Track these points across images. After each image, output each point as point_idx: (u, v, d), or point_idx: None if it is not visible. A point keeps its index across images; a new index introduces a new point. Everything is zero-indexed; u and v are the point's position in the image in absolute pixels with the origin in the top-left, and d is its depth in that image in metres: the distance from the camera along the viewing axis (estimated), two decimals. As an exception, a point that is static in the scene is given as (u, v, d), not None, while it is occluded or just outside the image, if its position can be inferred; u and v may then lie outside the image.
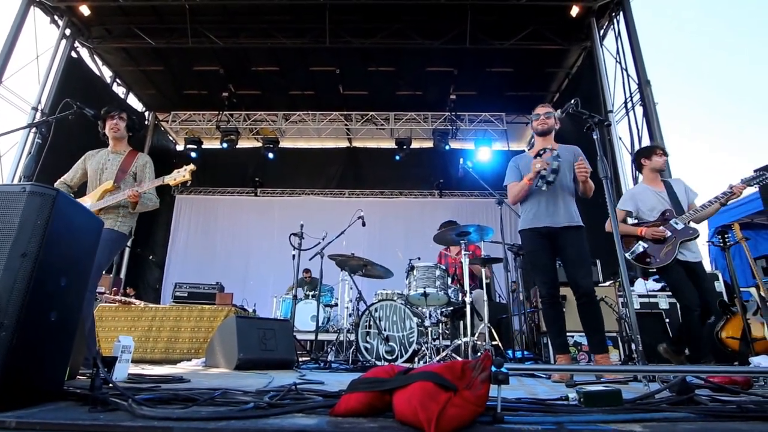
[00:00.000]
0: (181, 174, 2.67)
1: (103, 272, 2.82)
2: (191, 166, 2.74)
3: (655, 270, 3.25)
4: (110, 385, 1.44)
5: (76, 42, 7.63)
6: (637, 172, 6.15)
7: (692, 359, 3.17)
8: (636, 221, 3.43)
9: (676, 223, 3.23)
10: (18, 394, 1.25)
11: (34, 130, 2.44)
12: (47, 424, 1.09)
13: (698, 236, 3.18)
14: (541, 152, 2.92)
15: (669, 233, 3.21)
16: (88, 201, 2.67)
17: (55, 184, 2.75)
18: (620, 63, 6.74)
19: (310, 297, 6.41)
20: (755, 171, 3.25)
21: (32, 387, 1.33)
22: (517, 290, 5.29)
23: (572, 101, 2.56)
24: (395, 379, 1.17)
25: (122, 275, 9.20)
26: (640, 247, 3.30)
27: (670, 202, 3.34)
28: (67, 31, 7.36)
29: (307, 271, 7.24)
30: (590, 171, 2.83)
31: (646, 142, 6.03)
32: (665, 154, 3.46)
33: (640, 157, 3.55)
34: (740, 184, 3.14)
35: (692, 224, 3.22)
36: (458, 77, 8.64)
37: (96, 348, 2.59)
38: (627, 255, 3.31)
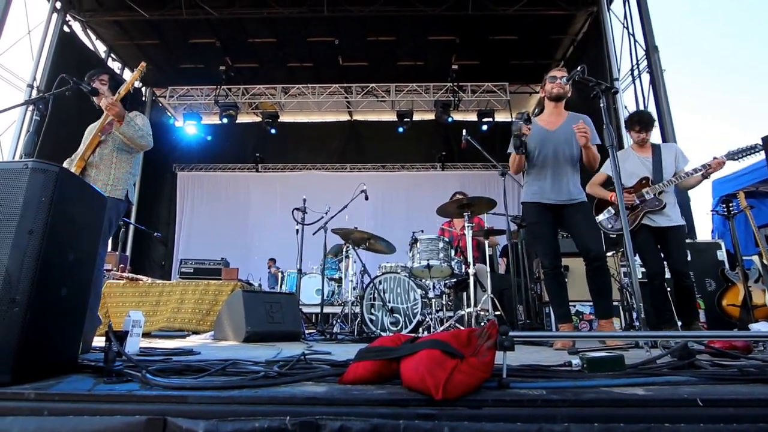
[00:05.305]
0: (132, 75, 2.62)
1: (108, 246, 2.78)
2: (142, 63, 2.70)
3: (614, 236, 3.41)
4: (123, 357, 1.47)
5: (68, 16, 7.42)
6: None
7: (655, 326, 3.14)
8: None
9: (647, 193, 3.24)
10: (35, 367, 1.28)
11: (31, 107, 2.39)
12: (65, 395, 1.12)
13: (663, 208, 3.18)
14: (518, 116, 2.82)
15: (637, 201, 3.25)
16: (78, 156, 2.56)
17: (64, 163, 2.70)
18: (627, 28, 6.55)
19: (315, 270, 6.47)
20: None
21: (48, 360, 1.36)
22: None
23: (578, 68, 2.50)
24: (402, 348, 1.19)
25: (128, 252, 9.28)
26: (607, 212, 3.43)
27: (652, 169, 3.30)
28: (58, 5, 7.16)
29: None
30: (589, 132, 2.75)
31: (652, 109, 5.92)
32: (644, 129, 3.36)
33: (625, 126, 3.57)
34: (721, 157, 3.13)
35: (663, 195, 3.20)
36: (460, 46, 8.41)
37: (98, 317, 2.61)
38: (599, 217, 3.45)
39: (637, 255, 3.30)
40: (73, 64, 6.99)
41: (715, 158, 3.14)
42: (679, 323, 3.16)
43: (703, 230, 6.51)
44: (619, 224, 3.25)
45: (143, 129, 2.58)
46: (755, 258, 4.28)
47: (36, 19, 6.87)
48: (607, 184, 3.43)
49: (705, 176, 3.18)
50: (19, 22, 6.56)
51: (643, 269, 3.64)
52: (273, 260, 8.76)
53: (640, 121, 3.39)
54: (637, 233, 3.20)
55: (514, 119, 2.78)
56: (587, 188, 3.42)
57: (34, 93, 6.47)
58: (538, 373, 1.31)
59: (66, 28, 7.37)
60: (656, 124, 3.46)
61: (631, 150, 3.48)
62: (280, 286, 7.63)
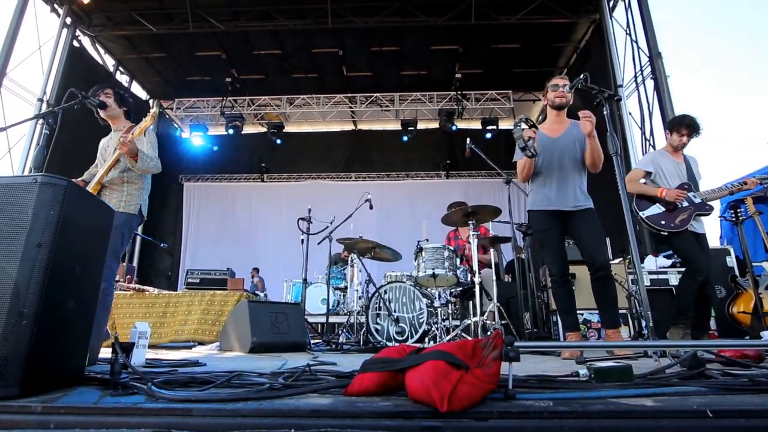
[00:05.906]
0: (144, 120, 2.67)
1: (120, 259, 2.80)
2: (154, 110, 2.75)
3: (666, 233, 3.31)
4: (129, 369, 1.48)
5: (78, 31, 7.58)
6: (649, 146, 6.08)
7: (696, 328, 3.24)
8: (653, 185, 3.45)
9: (694, 197, 3.32)
10: (41, 380, 1.29)
11: (41, 121, 2.43)
12: (71, 408, 1.12)
13: (711, 213, 3.31)
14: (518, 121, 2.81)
15: (686, 203, 3.31)
16: (95, 181, 2.62)
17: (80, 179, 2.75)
18: (630, 35, 6.56)
19: (320, 279, 6.47)
20: None
21: (55, 373, 1.37)
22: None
23: (581, 76, 2.50)
24: (407, 359, 1.19)
25: (135, 263, 9.35)
26: (657, 208, 3.35)
27: (687, 176, 3.40)
28: (68, 20, 7.31)
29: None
30: (594, 118, 2.71)
31: (657, 116, 5.91)
32: (691, 134, 3.36)
33: (668, 126, 3.57)
34: (754, 178, 3.33)
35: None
36: (463, 55, 8.47)
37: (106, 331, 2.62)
38: (641, 213, 3.38)
39: (678, 255, 3.45)
40: (83, 78, 7.11)
41: (749, 178, 3.36)
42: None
43: (711, 236, 6.43)
44: (673, 222, 3.25)
45: (154, 159, 2.66)
46: (766, 264, 4.22)
47: (46, 35, 7.04)
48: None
49: (732, 193, 3.38)
50: (29, 38, 6.71)
51: (675, 268, 4.12)
52: (256, 269, 8.80)
53: (690, 125, 3.34)
54: (683, 234, 3.24)
55: (514, 127, 2.78)
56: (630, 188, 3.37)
57: (45, 107, 6.58)
58: (544, 384, 1.29)
59: (75, 43, 7.53)
60: (702, 133, 3.42)
61: (666, 153, 3.48)
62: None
